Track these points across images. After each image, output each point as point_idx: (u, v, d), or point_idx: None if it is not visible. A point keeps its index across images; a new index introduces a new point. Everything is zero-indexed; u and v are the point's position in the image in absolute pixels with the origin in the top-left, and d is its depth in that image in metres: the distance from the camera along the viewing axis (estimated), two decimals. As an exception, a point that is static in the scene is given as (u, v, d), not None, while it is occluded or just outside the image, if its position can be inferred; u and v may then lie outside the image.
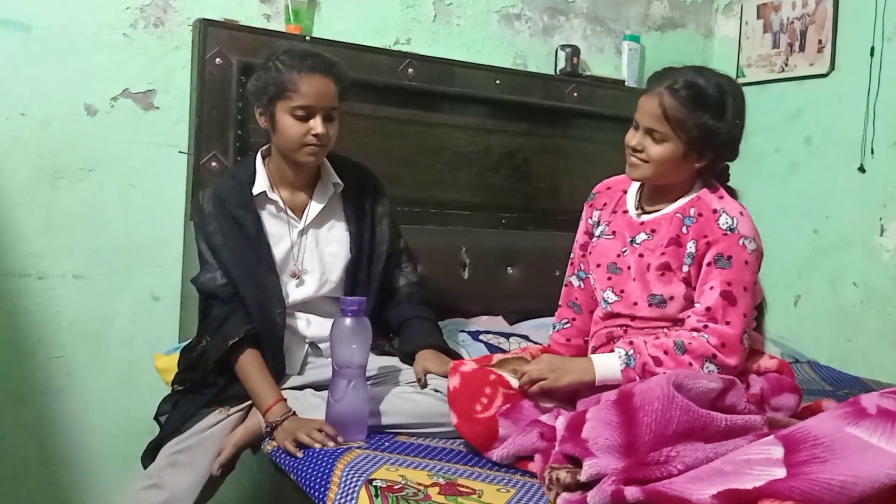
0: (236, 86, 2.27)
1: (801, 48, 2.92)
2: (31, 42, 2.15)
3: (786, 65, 2.98)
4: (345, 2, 2.52)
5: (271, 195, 1.80)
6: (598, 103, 2.87)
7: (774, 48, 3.02)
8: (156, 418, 1.84)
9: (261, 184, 1.80)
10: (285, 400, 1.70)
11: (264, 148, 1.86)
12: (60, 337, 2.22)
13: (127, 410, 2.26)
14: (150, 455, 1.72)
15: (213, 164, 2.26)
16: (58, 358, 2.23)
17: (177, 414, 1.74)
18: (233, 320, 1.73)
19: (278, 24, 2.42)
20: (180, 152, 2.31)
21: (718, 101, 1.58)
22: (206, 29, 2.25)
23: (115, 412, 2.27)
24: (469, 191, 2.69)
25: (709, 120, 1.57)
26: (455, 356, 1.88)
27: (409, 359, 1.84)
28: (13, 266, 2.17)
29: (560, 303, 1.87)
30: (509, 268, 2.67)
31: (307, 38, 2.37)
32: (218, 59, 2.25)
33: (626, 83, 2.98)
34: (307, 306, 1.84)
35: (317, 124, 1.72)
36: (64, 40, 2.19)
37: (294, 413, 1.67)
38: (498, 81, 2.68)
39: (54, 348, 2.22)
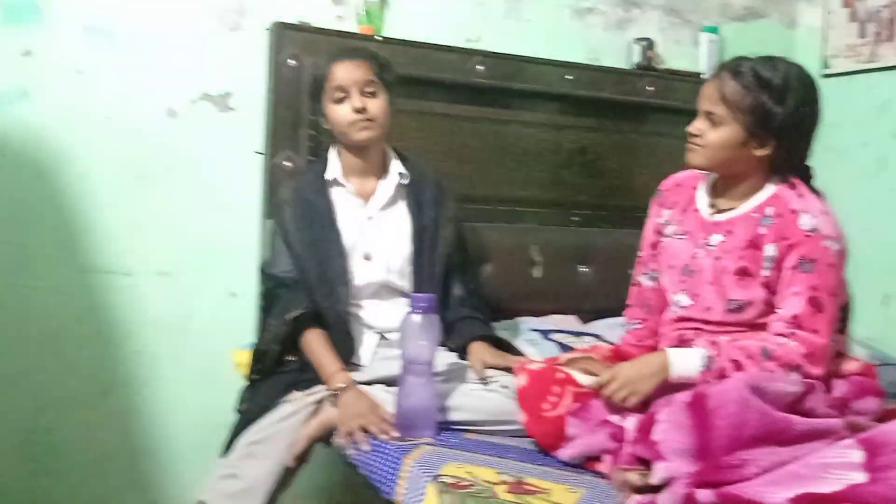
0: (308, 87, 2.31)
1: (890, 37, 2.80)
2: (115, 48, 2.26)
3: (873, 55, 2.86)
4: (416, 1, 2.55)
5: (343, 181, 1.91)
6: (673, 97, 2.80)
7: (861, 38, 2.90)
8: (237, 409, 1.91)
9: (333, 171, 1.93)
10: (347, 370, 1.77)
11: (333, 144, 1.98)
12: (144, 332, 2.33)
13: (206, 403, 2.34)
14: (229, 446, 1.80)
15: (287, 162, 2.32)
16: (141, 352, 2.34)
17: (253, 404, 1.81)
18: (294, 301, 1.82)
19: (350, 25, 2.47)
20: (255, 152, 2.39)
21: (781, 85, 1.54)
22: (282, 32, 2.31)
23: (195, 405, 2.36)
24: (540, 188, 2.68)
25: (767, 102, 1.53)
26: (508, 347, 1.91)
27: (462, 353, 1.89)
28: (101, 263, 2.29)
29: (630, 302, 1.86)
30: (581, 266, 2.64)
31: (378, 38, 2.41)
32: (291, 61, 2.31)
33: (703, 76, 2.91)
34: (374, 293, 1.91)
35: (354, 99, 1.84)
36: (146, 45, 2.29)
37: (356, 385, 1.73)
38: (569, 77, 2.65)
39: (138, 342, 2.33)
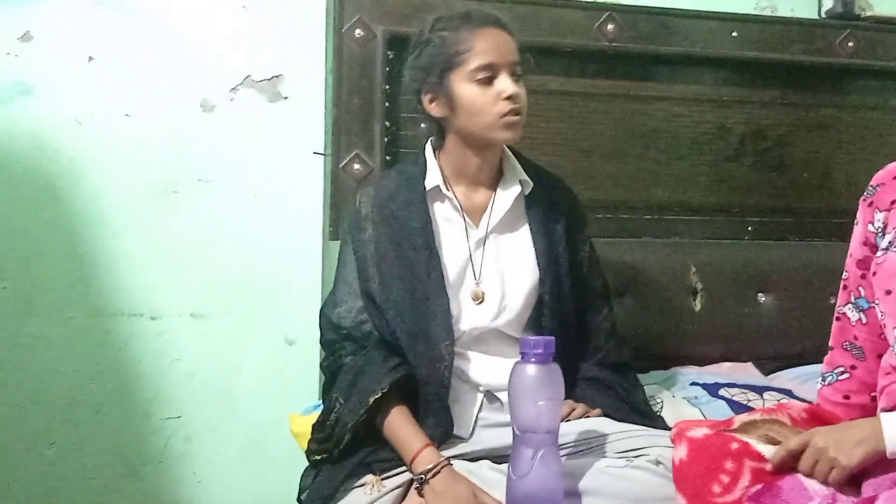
0: (382, 64, 2.36)
1: None
2: (134, 27, 2.35)
3: None
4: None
5: (446, 191, 1.89)
6: (886, 55, 2.73)
7: None
8: (298, 499, 1.92)
9: (433, 178, 1.89)
10: (437, 445, 1.74)
11: (432, 139, 1.95)
12: (178, 392, 2.40)
13: (257, 484, 2.39)
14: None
15: (357, 166, 2.35)
16: (175, 419, 2.41)
17: (316, 491, 1.82)
18: (373, 369, 1.79)
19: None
20: (315, 153, 2.43)
21: None
22: (344, -7, 2.35)
23: (243, 486, 2.41)
24: (698, 188, 2.64)
25: None
26: (657, 423, 1.90)
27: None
28: (120, 304, 2.37)
29: (831, 343, 1.79)
30: (760, 294, 2.58)
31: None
32: (359, 31, 2.35)
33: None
34: (478, 341, 1.89)
35: (506, 83, 1.81)
36: (173, 22, 2.37)
37: (449, 463, 1.71)
38: (735, 34, 2.62)
39: (171, 406, 2.40)
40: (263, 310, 2.44)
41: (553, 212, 1.95)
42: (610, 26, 2.52)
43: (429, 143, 1.95)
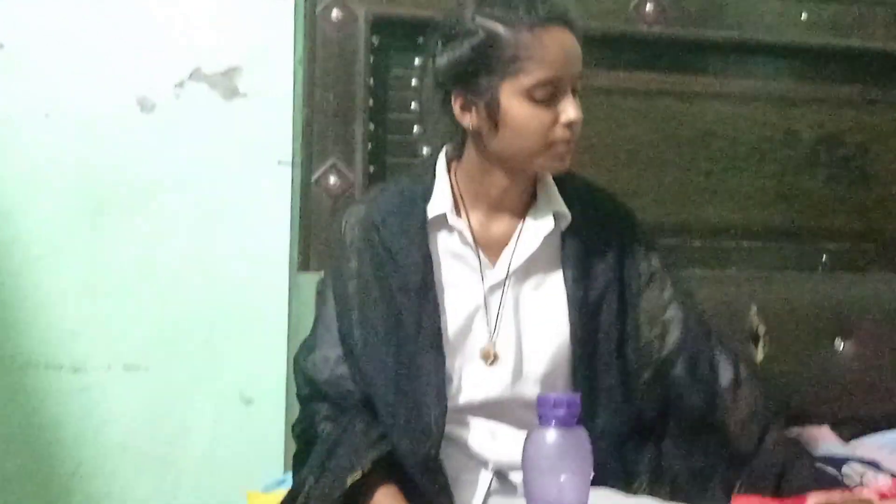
0: (366, 53, 2.35)
1: None
2: (54, 4, 2.34)
3: None
4: None
5: (454, 221, 1.85)
6: None
7: None
8: None
9: (440, 201, 1.86)
10: None
11: (449, 148, 1.91)
12: (106, 463, 2.37)
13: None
14: None
15: (333, 179, 2.34)
16: (103, 495, 2.37)
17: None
18: (352, 441, 1.76)
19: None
20: (281, 163, 2.43)
21: None
22: (317, -35, 2.36)
23: (189, 583, 2.38)
24: (760, 206, 2.64)
25: None
26: None
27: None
28: (36, 352, 2.35)
29: None
30: (838, 340, 2.57)
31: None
32: (336, 12, 2.34)
33: None
34: (486, 407, 1.85)
35: (570, 106, 1.76)
36: (104, 1, 2.37)
37: None
38: (805, 16, 2.62)
39: (98, 482, 2.37)
40: (214, 360, 2.43)
41: (599, 251, 1.89)
42: (649, 6, 2.52)
43: (442, 155, 1.91)
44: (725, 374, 1.92)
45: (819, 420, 2.47)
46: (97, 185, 2.38)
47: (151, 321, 2.40)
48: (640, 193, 2.53)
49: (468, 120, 1.80)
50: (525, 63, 1.73)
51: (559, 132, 1.75)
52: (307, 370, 1.88)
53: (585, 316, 1.85)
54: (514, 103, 1.75)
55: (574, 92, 1.77)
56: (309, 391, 1.88)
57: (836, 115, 2.69)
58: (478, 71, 1.76)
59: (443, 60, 1.80)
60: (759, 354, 2.51)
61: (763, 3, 2.60)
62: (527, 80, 1.73)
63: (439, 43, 1.82)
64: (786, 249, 2.65)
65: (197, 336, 2.42)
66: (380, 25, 2.34)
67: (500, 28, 1.74)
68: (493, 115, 1.76)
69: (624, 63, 2.55)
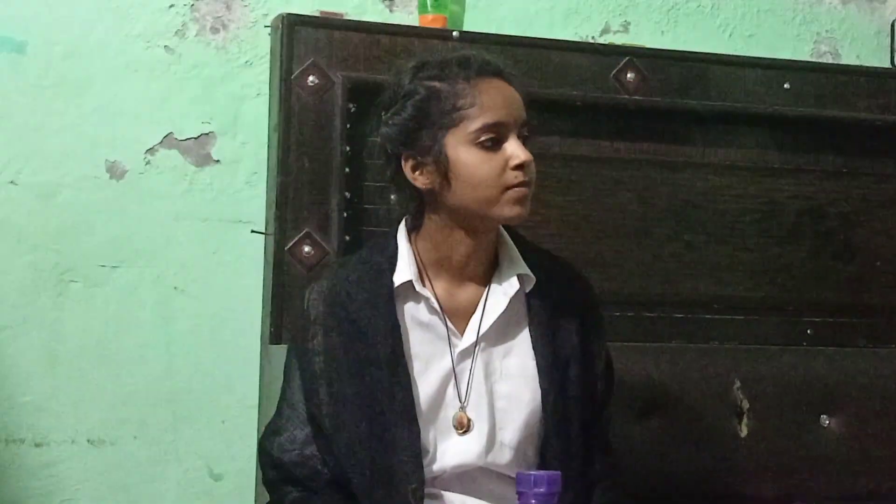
0: (342, 119, 2.34)
1: None
2: (24, 67, 2.32)
3: None
4: (515, -28, 2.58)
5: (420, 289, 1.84)
6: (975, 114, 2.74)
7: None
8: None
9: (405, 270, 1.84)
10: None
11: (408, 219, 1.90)
12: (67, 542, 2.30)
13: None
14: None
15: (307, 248, 2.31)
16: (65, 579, 2.31)
17: None
18: None
19: (407, 16, 2.49)
20: (254, 232, 2.39)
21: None
22: (293, 30, 2.33)
23: None
24: (743, 279, 2.64)
25: None
26: None
27: None
28: (-2, 426, 2.29)
29: None
30: (823, 416, 2.55)
31: (455, 33, 2.40)
32: (312, 78, 2.33)
33: None
34: (462, 479, 1.83)
35: (516, 148, 1.77)
36: (74, 63, 2.34)
37: None
38: (788, 86, 2.63)
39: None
40: (182, 434, 2.38)
41: (563, 314, 1.89)
42: (630, 75, 2.52)
43: (402, 224, 1.89)
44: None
45: (805, 499, 2.46)
46: (63, 254, 2.35)
47: (117, 394, 2.35)
48: (621, 264, 2.52)
49: (421, 181, 1.80)
50: (466, 111, 1.76)
51: (511, 176, 1.76)
52: (274, 453, 1.84)
53: (554, 380, 1.85)
54: (461, 152, 1.76)
55: (523, 139, 1.79)
56: (276, 475, 1.85)
57: (820, 186, 2.70)
58: (421, 127, 1.78)
59: (387, 128, 1.83)
60: (743, 430, 2.49)
61: (746, 72, 2.61)
62: (470, 126, 1.76)
63: (382, 114, 1.84)
64: (769, 323, 2.64)
65: (164, 409, 2.37)
66: (356, 91, 2.32)
67: (438, 84, 1.78)
68: (443, 168, 1.78)
69: (605, 132, 2.54)
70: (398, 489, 1.75)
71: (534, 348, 1.86)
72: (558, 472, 1.62)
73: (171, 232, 2.39)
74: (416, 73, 1.82)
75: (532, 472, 1.62)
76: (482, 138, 1.75)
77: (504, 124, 1.76)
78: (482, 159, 1.76)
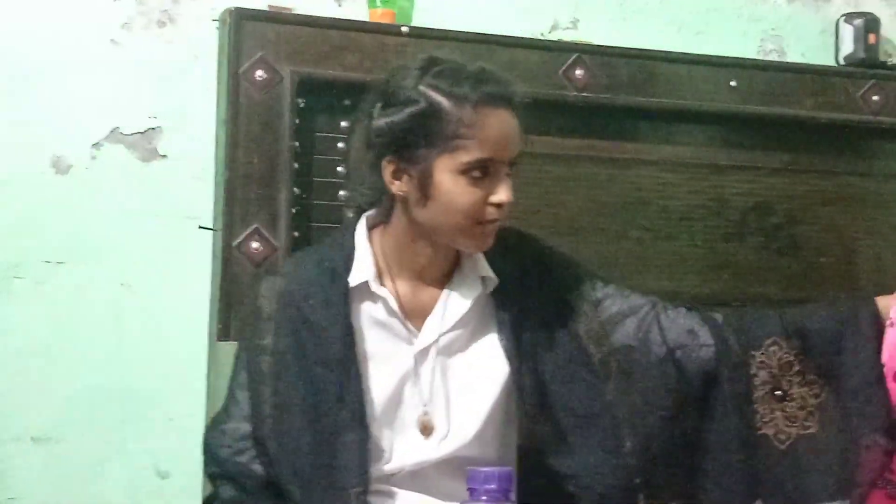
0: (291, 114, 2.31)
1: None
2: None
3: None
4: (465, -33, 2.58)
5: (377, 289, 1.83)
6: (919, 111, 2.77)
7: None
8: None
9: (362, 270, 1.83)
10: None
11: (372, 213, 1.88)
12: (11, 541, 2.28)
13: None
14: None
15: (255, 244, 2.28)
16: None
17: None
18: None
19: (357, 10, 2.48)
20: (201, 227, 2.36)
21: None
22: (242, 24, 2.30)
23: None
24: (690, 274, 2.64)
25: None
26: None
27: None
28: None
29: (862, 480, 1.80)
30: (774, 407, 2.55)
31: (404, 28, 2.39)
32: (261, 73, 2.30)
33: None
34: (416, 477, 1.83)
35: (503, 187, 1.76)
36: (19, 56, 2.33)
37: None
38: (734, 83, 2.63)
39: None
40: (129, 432, 2.37)
41: (536, 306, 1.88)
42: (579, 72, 2.51)
43: (363, 220, 1.88)
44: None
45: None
46: (8, 251, 2.33)
47: (63, 391, 2.34)
48: (579, 262, 2.50)
49: (397, 187, 1.78)
50: (464, 141, 1.72)
51: (487, 212, 1.75)
52: (212, 447, 1.84)
53: (526, 373, 1.84)
54: (446, 178, 1.74)
55: (508, 174, 1.78)
56: (214, 469, 1.85)
57: (766, 183, 2.70)
58: (415, 141, 1.75)
59: (380, 123, 1.78)
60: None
61: (693, 70, 2.61)
62: (464, 157, 1.73)
63: (378, 105, 1.80)
64: (717, 319, 2.64)
65: (111, 407, 2.36)
66: (305, 87, 2.30)
67: (443, 101, 1.74)
68: (425, 186, 1.75)
69: (554, 129, 2.53)
70: (339, 493, 1.73)
71: (501, 345, 1.86)
72: (510, 469, 1.62)
73: (117, 228, 2.38)
74: (422, 77, 1.77)
75: (483, 469, 1.61)
76: (472, 171, 1.73)
77: (497, 161, 1.75)
78: (466, 191, 1.74)
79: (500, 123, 1.76)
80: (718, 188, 2.66)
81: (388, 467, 1.79)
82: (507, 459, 1.83)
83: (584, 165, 2.56)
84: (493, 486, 1.58)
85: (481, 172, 1.74)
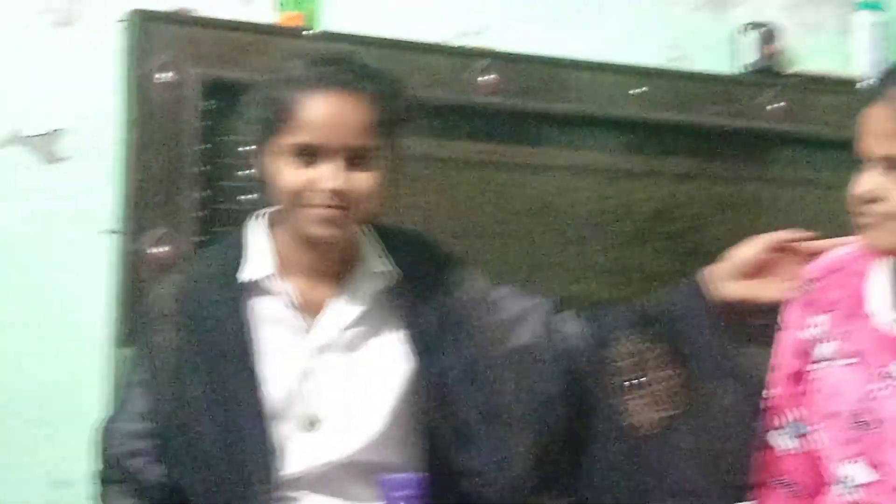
0: (198, 116, 2.30)
1: None
2: None
3: None
4: (374, -29, 2.57)
5: (272, 285, 1.82)
6: (816, 120, 2.83)
7: None
8: None
9: (257, 265, 1.83)
10: None
11: (273, 211, 1.88)
12: None
13: None
14: None
15: (160, 248, 2.27)
16: None
17: None
18: None
19: (264, 13, 2.46)
20: (105, 232, 2.34)
21: None
22: (146, 26, 2.29)
23: None
24: (597, 279, 2.66)
25: None
26: None
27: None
28: None
29: (757, 481, 1.83)
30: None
31: (311, 31, 2.40)
32: (167, 74, 2.29)
33: (861, 83, 2.91)
34: (323, 482, 1.81)
35: (324, 172, 1.74)
36: None
37: None
38: (640, 90, 2.67)
39: None
40: (26, 442, 2.33)
41: (433, 303, 1.89)
42: (487, 78, 2.53)
43: (263, 216, 1.89)
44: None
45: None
46: None
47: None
48: (476, 265, 2.51)
49: (258, 175, 1.84)
50: (285, 124, 1.75)
51: (312, 196, 1.74)
52: (102, 443, 1.84)
53: (428, 367, 1.85)
54: (273, 162, 1.79)
55: (354, 163, 1.76)
56: (104, 471, 1.84)
57: (670, 189, 2.74)
58: (255, 128, 1.81)
59: (241, 119, 1.86)
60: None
61: (599, 76, 2.64)
62: (288, 140, 1.75)
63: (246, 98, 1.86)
64: (622, 323, 2.67)
65: (7, 416, 2.32)
66: (212, 89, 2.29)
67: (275, 85, 1.78)
68: (262, 170, 1.81)
69: (462, 134, 2.54)
70: (248, 491, 1.73)
71: (402, 344, 1.87)
72: (423, 475, 1.63)
73: (15, 232, 2.33)
74: (272, 71, 1.83)
75: (397, 475, 1.63)
76: (296, 155, 1.74)
77: (321, 146, 1.74)
78: (289, 174, 1.75)
79: (329, 108, 1.75)
80: (624, 194, 2.69)
81: (290, 468, 1.77)
82: (414, 460, 1.82)
83: (491, 171, 2.58)
84: (407, 493, 1.60)
85: (310, 157, 1.74)
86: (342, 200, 1.74)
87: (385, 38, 2.45)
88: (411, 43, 2.49)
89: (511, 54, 2.58)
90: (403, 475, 1.62)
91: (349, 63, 1.80)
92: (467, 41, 2.61)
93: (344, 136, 1.75)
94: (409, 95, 1.90)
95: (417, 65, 2.46)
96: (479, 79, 2.53)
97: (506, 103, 2.55)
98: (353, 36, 2.41)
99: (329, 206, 1.75)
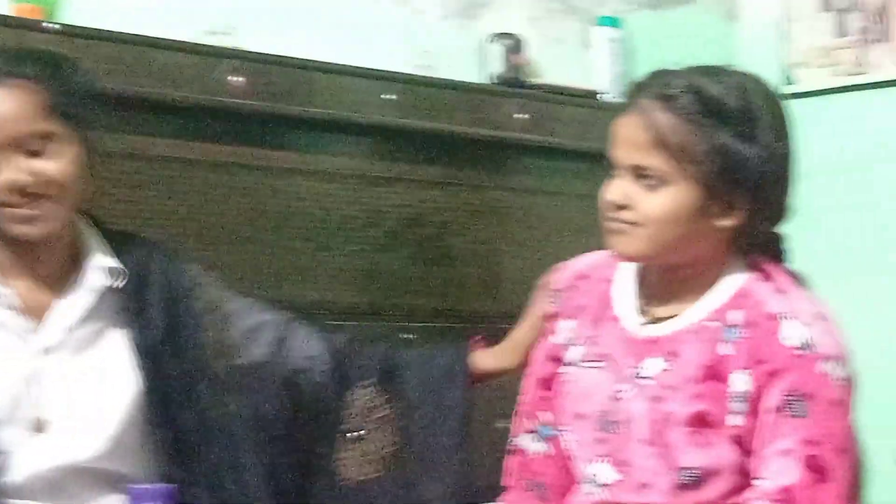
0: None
1: (884, 37, 3.02)
2: None
3: (859, 63, 3.07)
4: (117, -32, 2.48)
5: None
6: (560, 131, 2.90)
7: (840, 36, 3.11)
8: None
9: None
10: None
11: None
12: None
13: None
14: None
15: None
16: None
17: None
18: None
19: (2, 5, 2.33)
20: None
21: (744, 113, 1.62)
22: None
23: None
24: (345, 285, 2.65)
25: (732, 142, 1.60)
26: None
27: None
28: None
29: (508, 482, 1.85)
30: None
31: (50, 26, 2.28)
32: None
33: (601, 96, 3.02)
34: (56, 489, 1.77)
35: (3, 168, 1.71)
36: None
37: None
38: (390, 96, 2.68)
39: None
40: None
41: (158, 303, 1.87)
42: (236, 78, 2.49)
43: None
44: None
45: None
46: None
47: None
48: (224, 270, 2.44)
49: None
50: None
51: (5, 196, 1.71)
52: None
53: (154, 367, 1.84)
54: None
55: (26, 151, 1.73)
56: None
57: (419, 196, 2.76)
58: None
59: None
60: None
61: (350, 81, 2.64)
62: None
63: None
64: (371, 328, 2.63)
65: None
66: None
67: None
68: None
69: (210, 135, 2.48)
70: None
71: (127, 348, 1.84)
72: (173, 486, 1.60)
73: None
74: None
75: (145, 485, 1.59)
76: None
77: None
78: None
79: None
80: (374, 199, 2.69)
81: (16, 474, 1.73)
82: (147, 470, 1.80)
83: (240, 173, 2.53)
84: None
85: None
86: (33, 194, 1.72)
87: (131, 35, 2.39)
88: (157, 39, 2.42)
89: (261, 55, 2.55)
90: (152, 485, 1.59)
91: (13, 50, 1.80)
92: (215, 40, 2.55)
93: (13, 126, 1.72)
94: (91, 81, 1.85)
95: (164, 63, 2.40)
96: (228, 79, 2.48)
97: (255, 105, 2.51)
98: (96, 30, 2.34)
99: (22, 204, 1.72)
